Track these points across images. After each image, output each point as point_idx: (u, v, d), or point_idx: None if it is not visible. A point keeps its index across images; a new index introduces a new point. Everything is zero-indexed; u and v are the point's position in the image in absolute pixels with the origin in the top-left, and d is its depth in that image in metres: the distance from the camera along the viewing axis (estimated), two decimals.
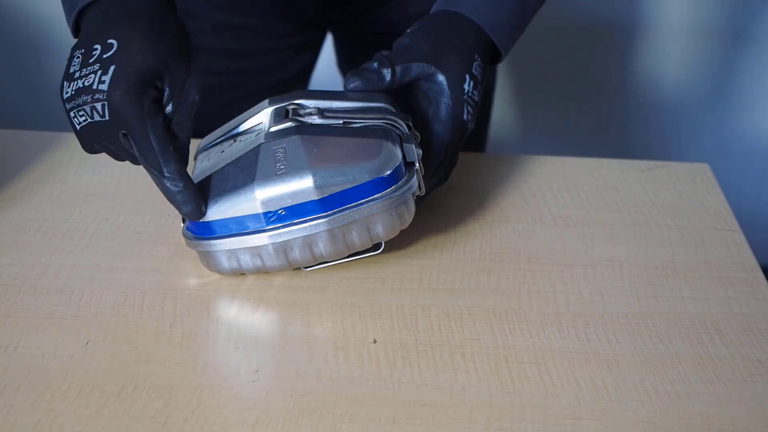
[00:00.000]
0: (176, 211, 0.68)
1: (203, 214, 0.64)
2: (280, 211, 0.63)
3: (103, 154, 0.65)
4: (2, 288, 0.67)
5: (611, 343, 0.63)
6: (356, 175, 0.63)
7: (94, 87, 0.60)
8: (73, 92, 0.61)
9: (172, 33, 0.63)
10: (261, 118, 0.69)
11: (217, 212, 0.64)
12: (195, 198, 0.63)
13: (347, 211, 0.63)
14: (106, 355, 0.61)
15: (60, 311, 0.65)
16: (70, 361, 0.60)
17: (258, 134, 0.67)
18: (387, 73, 0.70)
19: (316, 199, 0.63)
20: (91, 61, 0.61)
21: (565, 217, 0.77)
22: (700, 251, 0.73)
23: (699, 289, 0.69)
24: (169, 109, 0.62)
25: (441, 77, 0.70)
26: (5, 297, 0.66)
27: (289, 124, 0.67)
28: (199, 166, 0.68)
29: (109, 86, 0.60)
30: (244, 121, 0.70)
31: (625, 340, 0.64)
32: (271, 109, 0.69)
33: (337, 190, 0.63)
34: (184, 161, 0.63)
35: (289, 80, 1.02)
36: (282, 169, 0.63)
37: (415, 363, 0.61)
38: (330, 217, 0.63)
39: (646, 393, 0.59)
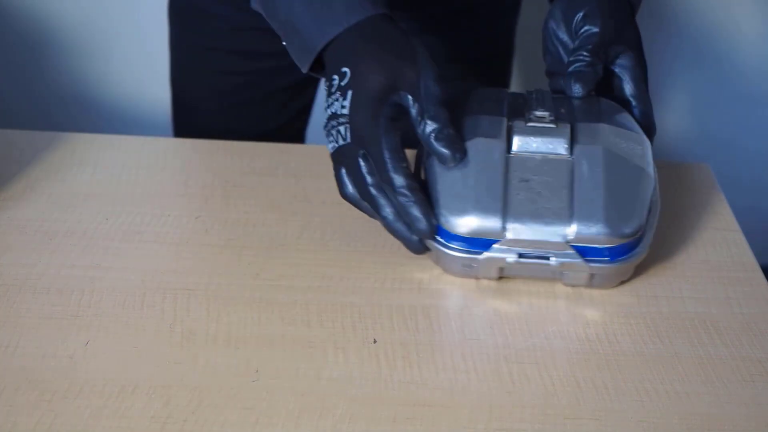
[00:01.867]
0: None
1: (434, 229, 0.64)
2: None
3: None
4: (2, 288, 0.67)
5: (611, 343, 0.63)
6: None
7: (338, 113, 0.65)
8: (326, 120, 0.67)
9: (394, 44, 0.66)
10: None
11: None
12: (427, 211, 0.64)
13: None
14: (106, 355, 0.61)
15: (60, 311, 0.65)
16: (70, 361, 0.60)
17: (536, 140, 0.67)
18: (600, 69, 0.71)
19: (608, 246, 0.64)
20: (333, 90, 0.66)
21: None
22: (700, 251, 0.73)
23: (699, 289, 0.69)
24: (415, 110, 0.65)
25: (628, 55, 0.72)
26: (5, 297, 0.66)
27: (589, 139, 0.66)
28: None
29: (350, 110, 0.65)
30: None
31: (625, 340, 0.64)
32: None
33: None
34: (415, 179, 0.65)
35: (304, 81, 1.03)
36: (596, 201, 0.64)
37: (415, 363, 0.61)
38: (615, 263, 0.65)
39: (646, 393, 0.59)
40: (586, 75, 0.70)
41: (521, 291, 0.68)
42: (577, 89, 0.69)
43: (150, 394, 0.58)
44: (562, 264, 0.64)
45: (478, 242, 0.65)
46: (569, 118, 0.68)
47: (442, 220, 0.65)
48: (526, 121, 0.67)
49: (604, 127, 0.67)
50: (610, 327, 0.65)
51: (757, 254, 0.73)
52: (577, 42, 0.72)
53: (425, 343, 0.63)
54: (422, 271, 0.70)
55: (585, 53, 0.70)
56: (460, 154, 0.64)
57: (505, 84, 1.12)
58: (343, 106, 0.65)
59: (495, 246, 0.64)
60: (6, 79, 1.63)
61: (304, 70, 0.69)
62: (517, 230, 0.64)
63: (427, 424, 0.57)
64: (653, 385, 0.60)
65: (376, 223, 0.74)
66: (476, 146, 0.66)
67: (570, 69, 0.70)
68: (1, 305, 0.65)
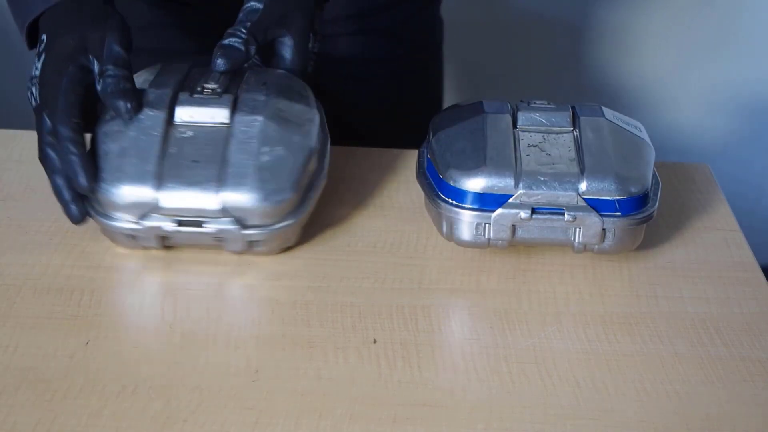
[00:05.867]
0: None
1: (93, 188, 0.65)
2: None
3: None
4: (2, 288, 0.67)
5: (611, 343, 0.63)
6: None
7: (33, 75, 0.68)
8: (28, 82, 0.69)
9: (89, 12, 0.69)
10: None
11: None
12: (88, 167, 0.65)
13: None
14: (106, 355, 0.61)
15: (60, 311, 0.65)
16: (70, 361, 0.60)
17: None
18: (252, 49, 0.70)
19: None
20: (36, 56, 0.69)
21: None
22: (700, 251, 0.73)
23: (699, 289, 0.69)
24: (96, 70, 0.67)
25: (289, 40, 0.72)
26: (5, 297, 0.66)
27: (589, 115, 0.71)
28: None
29: (39, 71, 0.67)
30: None
31: (625, 340, 0.64)
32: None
33: None
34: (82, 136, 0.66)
35: None
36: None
37: (415, 363, 0.61)
38: None
39: (646, 393, 0.59)
40: (234, 52, 0.70)
41: (521, 291, 0.68)
42: (220, 64, 0.69)
43: (150, 394, 0.58)
44: (575, 218, 0.66)
45: (491, 199, 0.66)
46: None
47: (453, 180, 0.67)
48: (527, 104, 0.74)
49: (603, 109, 0.72)
50: (610, 327, 0.65)
51: (757, 254, 0.73)
52: (240, 14, 0.72)
53: (425, 343, 0.63)
54: (422, 271, 0.70)
55: (242, 30, 0.71)
56: (133, 104, 0.66)
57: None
58: (36, 68, 0.67)
59: (509, 201, 0.66)
60: (6, 79, 1.63)
61: (27, 46, 0.73)
62: (530, 184, 0.65)
63: (427, 424, 0.57)
64: (653, 385, 0.60)
65: (376, 223, 0.74)
66: (485, 120, 0.70)
67: (222, 41, 0.70)
68: (1, 305, 0.65)
